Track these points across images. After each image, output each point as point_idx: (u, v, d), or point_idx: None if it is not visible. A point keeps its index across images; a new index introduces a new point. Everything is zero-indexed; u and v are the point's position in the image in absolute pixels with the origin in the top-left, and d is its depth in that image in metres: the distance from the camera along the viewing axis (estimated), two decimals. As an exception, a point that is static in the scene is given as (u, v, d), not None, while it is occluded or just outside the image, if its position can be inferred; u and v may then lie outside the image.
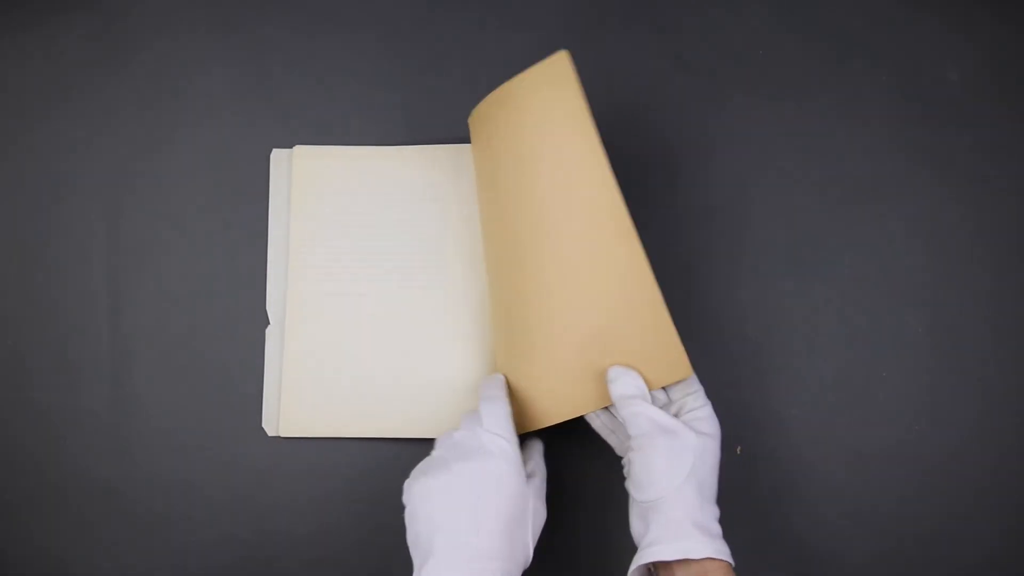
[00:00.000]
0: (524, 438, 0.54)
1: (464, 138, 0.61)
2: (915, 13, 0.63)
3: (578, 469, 0.60)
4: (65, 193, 0.64)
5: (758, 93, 0.63)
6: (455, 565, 0.45)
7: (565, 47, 0.64)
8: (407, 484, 0.49)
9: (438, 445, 0.50)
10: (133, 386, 0.62)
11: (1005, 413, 0.60)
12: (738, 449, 0.60)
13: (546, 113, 0.53)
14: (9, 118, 0.65)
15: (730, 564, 0.47)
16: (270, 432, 0.61)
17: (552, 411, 0.53)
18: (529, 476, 0.50)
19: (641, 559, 0.48)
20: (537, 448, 0.54)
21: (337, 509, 0.61)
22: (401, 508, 0.49)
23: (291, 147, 0.63)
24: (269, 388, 0.61)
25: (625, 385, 0.51)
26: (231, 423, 0.62)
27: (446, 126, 0.63)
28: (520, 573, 0.48)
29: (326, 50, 0.64)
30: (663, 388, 0.53)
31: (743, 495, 0.59)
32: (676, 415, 0.52)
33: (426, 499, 0.47)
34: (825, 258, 0.62)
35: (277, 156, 0.63)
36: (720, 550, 0.47)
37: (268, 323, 0.62)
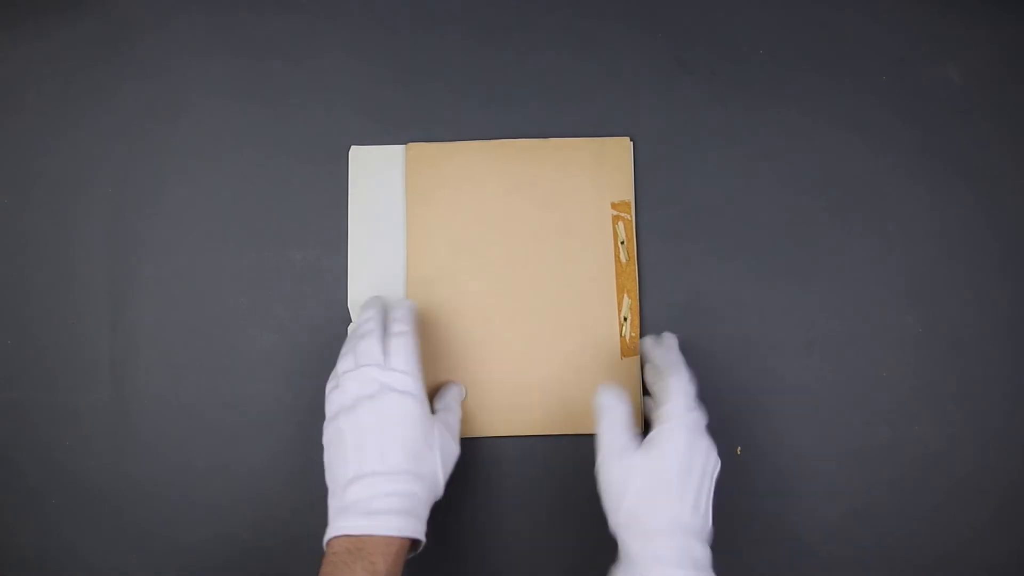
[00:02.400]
0: (446, 382, 0.59)
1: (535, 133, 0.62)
2: (915, 12, 0.63)
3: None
4: (65, 193, 0.64)
5: (758, 93, 0.63)
6: (362, 493, 0.48)
7: (565, 47, 0.64)
8: (324, 426, 0.52)
9: (346, 379, 0.52)
10: (133, 386, 0.62)
11: (1005, 413, 0.60)
12: (738, 449, 0.60)
13: (596, 181, 0.61)
14: (9, 118, 0.65)
15: None
16: None
17: (496, 424, 0.60)
18: (439, 411, 0.55)
19: None
20: (453, 391, 0.58)
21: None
22: None
23: (296, 147, 0.63)
24: None
25: (609, 398, 0.52)
26: (231, 423, 0.62)
27: (445, 125, 0.63)
28: (429, 502, 0.51)
29: (327, 49, 0.64)
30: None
31: (743, 495, 0.59)
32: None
33: (337, 441, 0.51)
34: (825, 258, 0.62)
35: (356, 153, 0.63)
36: None
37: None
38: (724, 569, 0.60)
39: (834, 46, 0.63)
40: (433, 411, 0.54)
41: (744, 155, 0.63)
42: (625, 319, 0.60)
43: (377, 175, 0.63)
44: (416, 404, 0.51)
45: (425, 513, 0.50)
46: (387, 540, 0.47)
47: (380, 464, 0.49)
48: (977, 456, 0.60)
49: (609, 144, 0.61)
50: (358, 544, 0.47)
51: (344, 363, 0.53)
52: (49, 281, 0.63)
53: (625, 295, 0.60)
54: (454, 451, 0.53)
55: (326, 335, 0.62)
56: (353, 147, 0.63)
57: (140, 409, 0.62)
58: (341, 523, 0.48)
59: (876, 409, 0.60)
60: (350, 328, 0.60)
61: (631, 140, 0.61)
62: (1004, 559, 0.59)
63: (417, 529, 0.49)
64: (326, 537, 0.49)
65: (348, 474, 0.49)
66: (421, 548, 0.50)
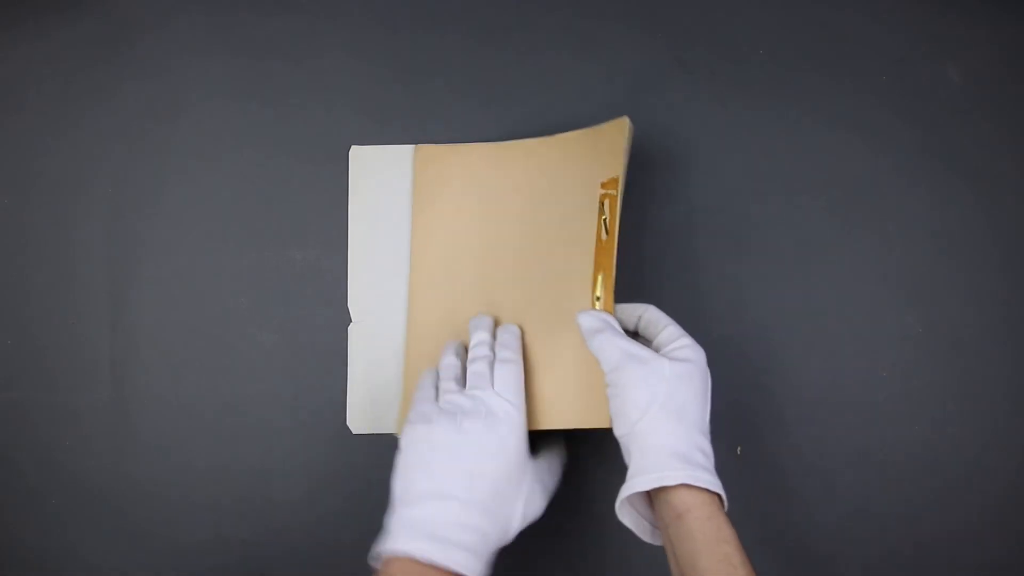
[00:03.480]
0: (552, 442, 0.55)
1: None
2: (915, 11, 0.63)
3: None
4: (65, 193, 0.64)
5: (758, 93, 0.63)
6: (437, 516, 0.45)
7: (565, 47, 0.64)
8: (408, 428, 0.49)
9: (445, 391, 0.50)
10: (133, 386, 0.62)
11: (1005, 413, 0.60)
12: (738, 449, 0.60)
13: (591, 170, 0.58)
14: (9, 118, 0.65)
15: (711, 493, 0.45)
16: (355, 430, 0.61)
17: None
18: (540, 459, 0.51)
19: (621, 493, 0.47)
20: (558, 448, 0.54)
21: (339, 509, 0.61)
22: None
23: (296, 147, 0.63)
24: (354, 385, 0.61)
25: (592, 319, 0.51)
26: (231, 423, 0.62)
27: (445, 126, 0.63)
28: (495, 546, 0.47)
29: (327, 49, 0.64)
30: (632, 331, 0.54)
31: (743, 495, 0.59)
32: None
33: (427, 449, 0.47)
34: (825, 258, 0.62)
35: (357, 153, 0.63)
36: (699, 477, 0.45)
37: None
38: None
39: (834, 46, 0.63)
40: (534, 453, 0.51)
41: (744, 155, 0.63)
42: (598, 298, 0.55)
43: (377, 175, 0.63)
44: (515, 438, 0.48)
45: (488, 556, 0.47)
46: (447, 574, 0.44)
47: (463, 490, 0.46)
48: (977, 456, 0.60)
49: (606, 127, 0.59)
50: (417, 569, 0.44)
51: (448, 384, 0.51)
52: (49, 281, 0.63)
53: (600, 273, 0.55)
54: (538, 507, 0.49)
55: (326, 335, 0.62)
56: (353, 147, 0.63)
57: (140, 409, 0.62)
58: (406, 539, 0.45)
59: (876, 409, 0.60)
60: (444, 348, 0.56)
61: (629, 119, 0.57)
62: (1004, 558, 0.59)
63: (478, 572, 0.45)
64: (386, 546, 0.46)
65: (429, 487, 0.46)
66: None
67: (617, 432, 0.49)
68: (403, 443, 0.49)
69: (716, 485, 0.46)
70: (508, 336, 0.53)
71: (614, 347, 0.49)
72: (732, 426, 0.60)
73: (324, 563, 0.60)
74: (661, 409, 0.47)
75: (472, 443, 0.47)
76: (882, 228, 0.62)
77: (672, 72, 0.63)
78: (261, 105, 0.64)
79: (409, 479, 0.47)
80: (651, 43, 0.63)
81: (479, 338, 0.53)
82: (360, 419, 0.61)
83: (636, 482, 0.46)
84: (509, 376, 0.50)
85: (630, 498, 0.48)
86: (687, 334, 0.51)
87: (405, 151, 0.63)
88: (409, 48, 0.64)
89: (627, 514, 0.48)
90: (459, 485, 0.46)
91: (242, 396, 0.62)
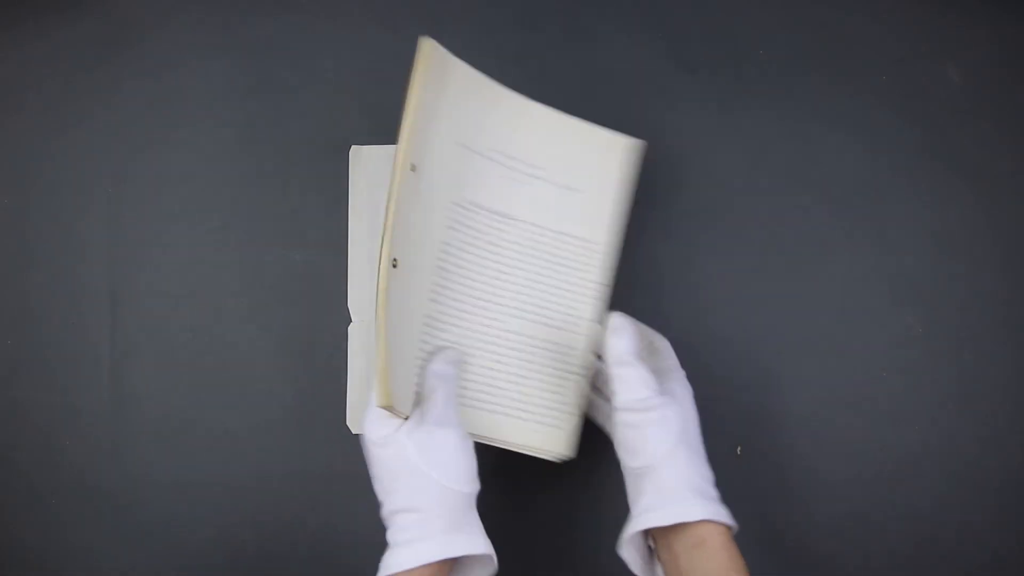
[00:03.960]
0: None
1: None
2: (915, 12, 0.63)
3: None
4: (65, 193, 0.64)
5: (758, 93, 0.63)
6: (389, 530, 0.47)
7: (565, 46, 0.64)
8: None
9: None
10: (133, 386, 0.62)
11: (1005, 413, 0.60)
12: (738, 449, 0.60)
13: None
14: (9, 118, 0.65)
15: (729, 527, 0.46)
16: (355, 430, 0.60)
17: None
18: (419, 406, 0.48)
19: (636, 526, 0.47)
20: (438, 361, 0.50)
21: (338, 509, 0.61)
22: None
23: (296, 147, 0.63)
24: (354, 385, 0.60)
25: (628, 343, 0.49)
26: (231, 423, 0.62)
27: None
28: (453, 510, 0.46)
29: (327, 49, 0.64)
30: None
31: (743, 495, 0.59)
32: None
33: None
34: (825, 258, 0.62)
35: (356, 153, 0.62)
36: (718, 512, 0.46)
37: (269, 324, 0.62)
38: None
39: (834, 46, 0.63)
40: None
41: (744, 155, 0.63)
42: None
43: (377, 174, 0.63)
44: (373, 436, 0.47)
45: (443, 525, 0.46)
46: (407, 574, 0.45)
47: (380, 495, 0.48)
48: (977, 456, 0.60)
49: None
50: None
51: None
52: (49, 281, 0.63)
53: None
54: (447, 443, 0.46)
55: (326, 335, 0.62)
56: (353, 147, 0.63)
57: (140, 409, 0.62)
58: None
59: (876, 409, 0.60)
60: None
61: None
62: (1004, 558, 0.59)
63: (430, 551, 0.45)
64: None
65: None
66: (495, 567, 0.47)
67: (632, 464, 0.48)
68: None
69: (730, 518, 0.47)
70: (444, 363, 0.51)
71: (642, 383, 0.48)
72: (732, 426, 0.60)
73: (324, 563, 0.60)
74: (678, 442, 0.47)
75: (378, 468, 0.48)
76: (882, 228, 0.62)
77: (672, 72, 0.63)
78: (261, 105, 0.64)
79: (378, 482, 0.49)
80: (651, 43, 0.63)
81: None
82: (360, 419, 0.61)
83: (652, 516, 0.46)
84: (439, 400, 0.49)
85: (634, 539, 0.48)
86: (679, 367, 0.53)
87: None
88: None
89: (630, 551, 0.48)
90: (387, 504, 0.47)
91: (242, 396, 0.62)
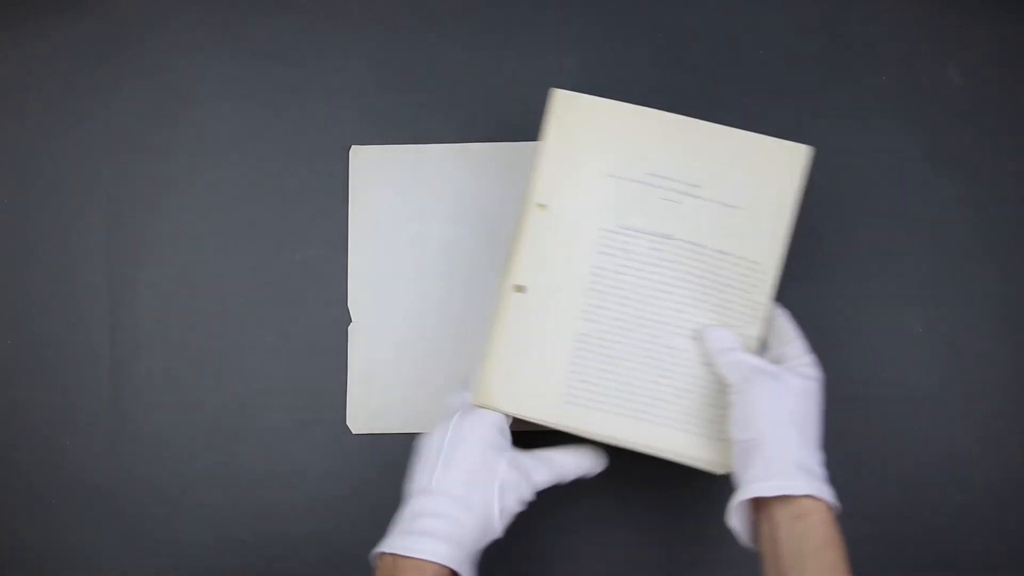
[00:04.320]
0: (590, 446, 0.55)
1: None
2: (915, 12, 0.63)
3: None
4: (65, 193, 0.64)
5: (758, 93, 0.63)
6: (413, 510, 0.48)
7: (565, 46, 0.64)
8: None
9: (448, 398, 0.54)
10: (133, 386, 0.62)
11: (1005, 413, 0.60)
12: None
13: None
14: (9, 118, 0.65)
15: (831, 505, 0.47)
16: (355, 430, 0.61)
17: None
18: (534, 455, 0.52)
19: (741, 495, 0.48)
20: (574, 457, 0.54)
21: (338, 508, 0.61)
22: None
23: (296, 147, 0.63)
24: (354, 385, 0.61)
25: (720, 339, 0.53)
26: (231, 423, 0.62)
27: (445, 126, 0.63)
28: (477, 535, 0.48)
29: (327, 49, 0.64)
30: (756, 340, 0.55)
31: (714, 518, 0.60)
32: (777, 362, 0.53)
33: (416, 453, 0.51)
34: (825, 258, 0.62)
35: (357, 152, 0.62)
36: (822, 489, 0.47)
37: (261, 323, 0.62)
38: (724, 569, 0.60)
39: (834, 46, 0.63)
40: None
41: (744, 155, 0.62)
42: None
43: (378, 174, 0.63)
44: (487, 427, 0.51)
45: (471, 546, 0.48)
46: (417, 565, 0.46)
47: (431, 481, 0.49)
48: (977, 456, 0.60)
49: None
50: (394, 565, 0.46)
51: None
52: (49, 281, 0.63)
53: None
54: (522, 493, 0.50)
55: (326, 335, 0.62)
56: (354, 147, 0.63)
57: (140, 409, 0.62)
58: (387, 538, 0.48)
59: (877, 409, 0.60)
60: None
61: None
62: (1004, 558, 0.59)
63: (454, 558, 0.46)
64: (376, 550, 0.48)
65: (411, 488, 0.50)
66: None
67: (738, 436, 0.50)
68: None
69: (834, 498, 0.48)
70: None
71: (743, 365, 0.51)
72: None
73: (324, 562, 0.60)
74: (789, 421, 0.49)
75: (439, 441, 0.50)
76: (882, 228, 0.62)
77: (672, 72, 0.63)
78: (261, 105, 0.64)
79: (407, 485, 0.50)
80: (651, 43, 0.63)
81: None
82: (360, 419, 0.61)
83: (760, 487, 0.47)
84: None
85: (740, 504, 0.49)
86: (810, 351, 0.53)
87: (406, 151, 0.63)
88: (409, 48, 0.64)
89: (738, 518, 0.49)
90: (427, 478, 0.49)
91: (242, 396, 0.62)
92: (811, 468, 0.48)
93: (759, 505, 0.49)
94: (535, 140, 0.61)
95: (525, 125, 0.63)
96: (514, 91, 0.63)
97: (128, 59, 0.65)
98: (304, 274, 0.63)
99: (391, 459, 0.57)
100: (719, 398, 0.54)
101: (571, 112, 0.54)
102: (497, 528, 0.49)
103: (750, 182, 0.54)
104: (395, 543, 0.47)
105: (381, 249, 0.62)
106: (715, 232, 0.54)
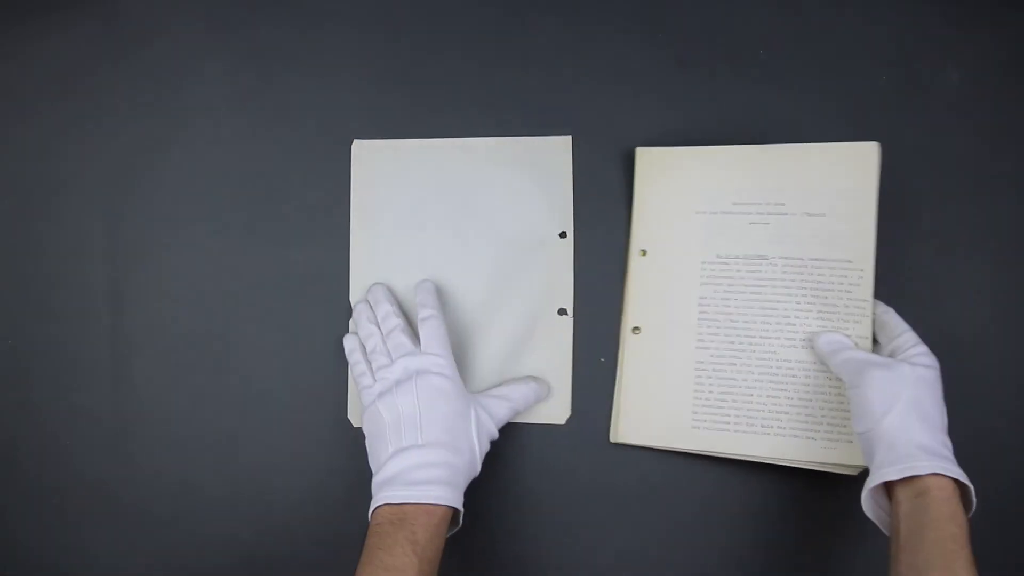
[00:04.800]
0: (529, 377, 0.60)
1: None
2: (915, 11, 0.63)
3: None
4: (65, 193, 0.64)
5: (758, 93, 0.63)
6: (403, 466, 0.51)
7: (565, 46, 0.64)
8: (363, 416, 0.55)
9: (378, 368, 0.56)
10: (133, 386, 0.62)
11: (1005, 413, 0.60)
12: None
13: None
14: (10, 118, 0.65)
15: (957, 481, 0.48)
16: (356, 423, 0.61)
17: None
18: (494, 395, 0.57)
19: (871, 482, 0.50)
20: (525, 389, 0.58)
21: (338, 507, 0.61)
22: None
23: (297, 147, 0.63)
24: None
25: (831, 342, 0.55)
26: (231, 423, 0.62)
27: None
28: (467, 474, 0.53)
29: (327, 48, 0.64)
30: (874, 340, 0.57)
31: (743, 496, 0.59)
32: (891, 356, 0.54)
33: (380, 426, 0.53)
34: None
35: (359, 147, 0.63)
36: (947, 468, 0.48)
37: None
38: (725, 569, 0.60)
39: (834, 46, 0.63)
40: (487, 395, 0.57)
41: (744, 155, 0.62)
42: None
43: (379, 168, 0.63)
44: (449, 383, 0.54)
45: (463, 486, 0.52)
46: (427, 509, 0.49)
47: (419, 438, 0.52)
48: (977, 456, 0.59)
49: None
50: (399, 513, 0.49)
51: (379, 359, 0.56)
52: (49, 281, 0.63)
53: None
54: (491, 430, 0.55)
55: (326, 335, 0.62)
56: (356, 140, 0.63)
57: (140, 409, 0.62)
58: (383, 494, 0.50)
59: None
60: (354, 318, 0.60)
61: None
62: (1004, 558, 0.59)
63: (456, 499, 0.51)
64: (371, 509, 0.50)
65: (388, 451, 0.52)
66: (460, 525, 0.52)
67: (859, 429, 0.52)
68: (364, 430, 0.55)
69: (964, 476, 0.49)
70: (424, 294, 0.58)
71: (856, 361, 0.53)
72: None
73: (324, 560, 0.60)
74: (906, 408, 0.50)
75: (412, 402, 0.53)
76: (882, 227, 0.62)
77: (672, 72, 0.63)
78: (261, 105, 0.64)
79: (374, 454, 0.53)
80: (651, 43, 0.63)
81: (384, 310, 0.58)
82: (360, 412, 0.61)
83: (885, 472, 0.49)
84: (432, 332, 0.56)
85: (875, 495, 0.51)
86: (922, 341, 0.54)
87: (407, 145, 0.63)
88: (409, 48, 0.64)
89: (871, 507, 0.51)
90: (413, 438, 0.52)
91: (242, 396, 0.62)
92: (935, 449, 0.49)
93: (890, 490, 0.50)
94: (536, 135, 0.61)
95: (525, 123, 0.63)
96: (515, 87, 0.63)
97: (128, 59, 0.65)
98: (304, 274, 0.63)
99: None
100: (838, 402, 0.56)
101: (654, 164, 0.60)
102: (478, 466, 0.54)
103: (829, 188, 0.58)
104: (399, 494, 0.50)
105: (382, 242, 0.62)
106: (807, 242, 0.58)
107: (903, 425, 0.50)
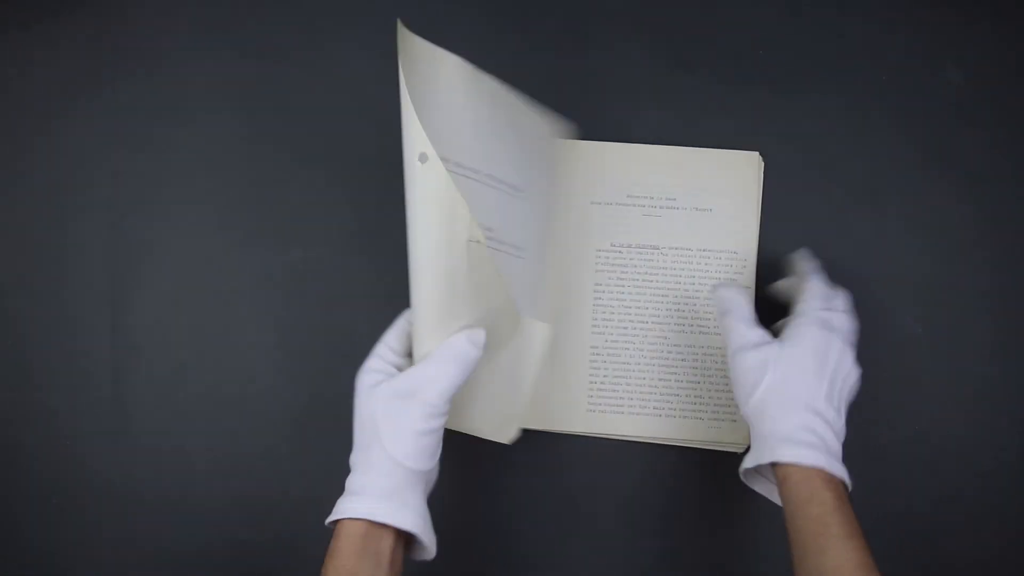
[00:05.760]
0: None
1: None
2: (915, 11, 0.63)
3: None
4: (66, 193, 0.64)
5: (758, 93, 0.63)
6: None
7: (565, 46, 0.64)
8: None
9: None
10: (133, 386, 0.62)
11: (1005, 413, 0.60)
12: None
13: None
14: (10, 118, 0.65)
15: (813, 467, 0.47)
16: None
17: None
18: (406, 380, 0.49)
19: (740, 468, 0.51)
20: (435, 367, 0.50)
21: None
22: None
23: (296, 146, 0.63)
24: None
25: (723, 300, 0.55)
26: (231, 423, 0.62)
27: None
28: (396, 476, 0.48)
29: (327, 48, 0.64)
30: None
31: (743, 496, 0.59)
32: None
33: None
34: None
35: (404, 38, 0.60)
36: (791, 454, 0.48)
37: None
38: (724, 570, 0.60)
39: (834, 46, 0.63)
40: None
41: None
42: None
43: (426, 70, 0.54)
44: (360, 376, 0.51)
45: (389, 488, 0.48)
46: (343, 525, 0.49)
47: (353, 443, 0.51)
48: (978, 456, 0.60)
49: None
50: (339, 531, 0.49)
51: None
52: (49, 281, 0.63)
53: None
54: (413, 413, 0.48)
55: (326, 335, 0.62)
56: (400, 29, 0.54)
57: (140, 409, 0.62)
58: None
59: (876, 409, 0.60)
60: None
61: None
62: (1004, 558, 0.59)
63: (371, 510, 0.47)
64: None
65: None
66: (420, 544, 0.50)
67: (741, 411, 0.52)
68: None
69: (810, 457, 0.48)
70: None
71: (736, 333, 0.53)
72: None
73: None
74: (765, 393, 0.50)
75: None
76: (882, 227, 0.62)
77: (672, 72, 0.63)
78: (261, 104, 0.64)
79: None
80: (651, 43, 0.63)
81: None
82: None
83: (746, 459, 0.51)
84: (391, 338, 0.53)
85: (762, 470, 0.52)
86: (816, 309, 0.52)
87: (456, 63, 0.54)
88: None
89: (757, 483, 0.53)
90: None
91: (242, 396, 0.62)
92: (791, 435, 0.48)
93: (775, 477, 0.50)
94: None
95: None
96: (517, 88, 0.63)
97: (128, 59, 0.65)
98: (304, 274, 0.63)
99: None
100: (723, 384, 0.60)
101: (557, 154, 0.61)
102: (405, 465, 0.48)
103: (717, 188, 0.61)
104: (333, 512, 0.49)
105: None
106: (695, 234, 0.61)
107: (760, 411, 0.50)
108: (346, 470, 0.60)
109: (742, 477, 0.52)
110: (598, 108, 0.63)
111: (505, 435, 0.58)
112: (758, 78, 0.63)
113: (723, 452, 0.60)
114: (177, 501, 0.61)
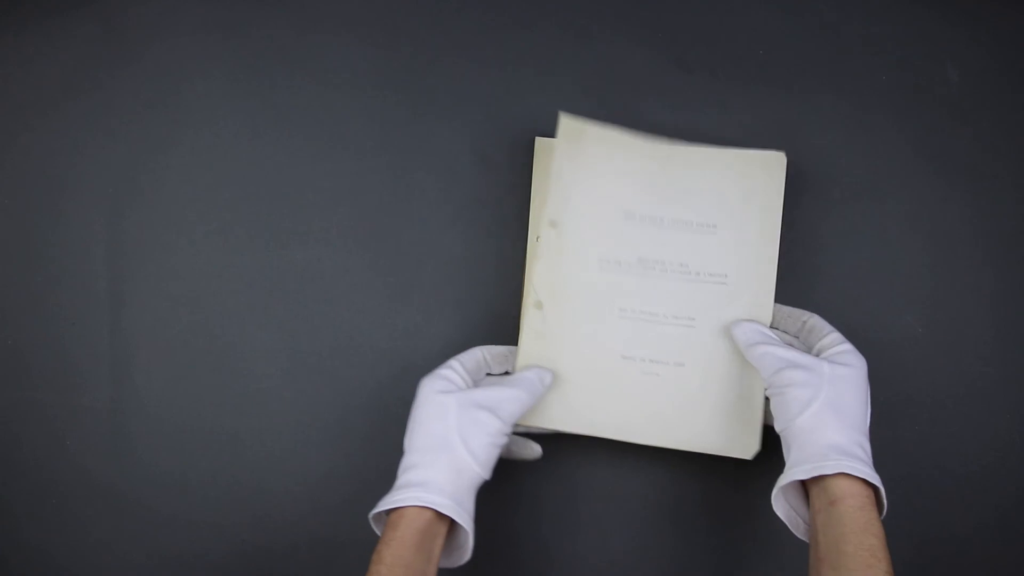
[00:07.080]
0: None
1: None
2: (915, 11, 0.63)
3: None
4: (66, 193, 0.64)
5: (758, 93, 0.63)
6: (403, 458, 0.53)
7: (565, 46, 0.64)
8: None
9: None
10: (133, 386, 0.62)
11: (1005, 413, 0.60)
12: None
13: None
14: (10, 118, 0.65)
15: (868, 487, 0.47)
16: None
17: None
18: (484, 386, 0.55)
19: (781, 482, 0.49)
20: (529, 376, 0.56)
21: (339, 509, 0.61)
22: None
23: (296, 146, 0.63)
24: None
25: (748, 333, 0.55)
26: (231, 423, 0.62)
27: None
28: (461, 481, 0.50)
29: (327, 48, 0.64)
30: (792, 335, 0.57)
31: (743, 496, 0.60)
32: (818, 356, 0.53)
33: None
34: (825, 258, 0.62)
35: (541, 145, 0.61)
36: (856, 468, 0.47)
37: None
38: (723, 570, 0.60)
39: (834, 46, 0.63)
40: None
41: (744, 155, 0.62)
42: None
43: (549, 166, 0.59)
44: (435, 379, 0.53)
45: (450, 488, 0.50)
46: (400, 512, 0.49)
47: (405, 443, 0.53)
48: (978, 456, 0.60)
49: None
50: (387, 520, 0.50)
51: None
52: (49, 281, 0.63)
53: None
54: (488, 429, 0.52)
55: (326, 335, 0.62)
56: (538, 138, 0.61)
57: (140, 410, 0.62)
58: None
59: (877, 409, 0.60)
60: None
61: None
62: (1005, 558, 0.59)
63: (433, 501, 0.49)
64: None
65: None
66: (468, 538, 0.51)
67: (777, 427, 0.52)
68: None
69: (874, 477, 0.48)
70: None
71: (773, 357, 0.53)
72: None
73: (325, 562, 0.60)
74: (822, 407, 0.49)
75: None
76: (882, 228, 0.62)
77: (672, 72, 0.63)
78: (261, 104, 0.64)
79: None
80: (651, 43, 0.63)
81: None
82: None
83: (794, 472, 0.49)
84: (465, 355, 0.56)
85: (785, 492, 0.50)
86: (848, 341, 0.53)
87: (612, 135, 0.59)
88: (409, 48, 0.64)
89: (781, 506, 0.51)
90: (406, 441, 0.53)
91: (242, 396, 0.62)
92: (847, 449, 0.48)
93: (807, 495, 0.50)
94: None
95: (525, 123, 0.63)
96: (513, 90, 0.63)
97: (128, 59, 0.65)
98: (304, 274, 0.63)
99: (391, 459, 0.57)
100: (731, 390, 0.57)
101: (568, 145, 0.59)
102: (476, 469, 0.51)
103: (737, 192, 0.58)
104: (386, 501, 0.50)
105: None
106: (703, 254, 0.58)
107: (816, 424, 0.49)
108: (347, 471, 0.60)
109: (775, 496, 0.50)
110: (597, 107, 0.63)
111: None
112: (758, 78, 0.63)
113: (733, 459, 0.58)
114: (177, 501, 0.61)
